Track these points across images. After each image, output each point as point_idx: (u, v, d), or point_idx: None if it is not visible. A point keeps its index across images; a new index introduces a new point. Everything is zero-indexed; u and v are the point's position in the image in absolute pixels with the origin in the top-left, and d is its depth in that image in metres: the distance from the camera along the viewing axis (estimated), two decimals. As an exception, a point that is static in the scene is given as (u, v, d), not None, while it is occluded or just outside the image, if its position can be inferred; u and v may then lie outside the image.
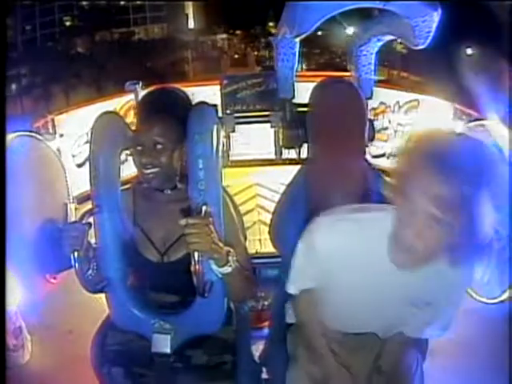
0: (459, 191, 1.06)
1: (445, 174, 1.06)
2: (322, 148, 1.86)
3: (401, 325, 1.44)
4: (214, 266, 1.39)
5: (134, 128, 1.52)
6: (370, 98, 2.77)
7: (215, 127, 1.44)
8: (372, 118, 3.88)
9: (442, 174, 1.06)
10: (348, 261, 1.31)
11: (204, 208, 1.34)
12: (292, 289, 1.52)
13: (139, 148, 1.46)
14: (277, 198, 1.88)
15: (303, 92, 2.46)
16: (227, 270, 1.39)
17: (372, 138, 1.93)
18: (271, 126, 2.96)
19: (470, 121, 2.55)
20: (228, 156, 2.93)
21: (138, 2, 33.07)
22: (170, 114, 1.47)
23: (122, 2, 32.73)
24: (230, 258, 1.39)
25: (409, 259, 1.22)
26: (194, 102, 1.54)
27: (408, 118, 4.28)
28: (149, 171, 1.46)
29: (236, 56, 36.09)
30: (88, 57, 27.96)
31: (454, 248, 1.15)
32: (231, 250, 1.40)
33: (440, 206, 1.08)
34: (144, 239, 1.54)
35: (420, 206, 1.10)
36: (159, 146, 1.45)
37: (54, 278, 2.43)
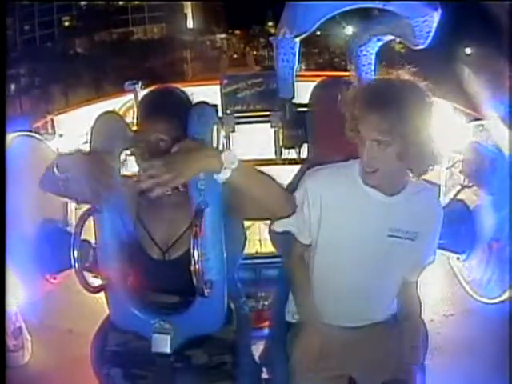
0: (394, 117, 1.36)
1: (379, 108, 1.37)
2: (322, 148, 1.86)
3: (390, 258, 1.54)
4: (215, 176, 1.33)
5: (134, 128, 1.53)
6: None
7: (215, 127, 1.44)
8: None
9: (378, 108, 1.37)
10: (336, 202, 1.53)
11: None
12: (277, 226, 1.63)
13: (142, 145, 1.46)
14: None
15: (303, 92, 2.45)
16: (226, 174, 1.32)
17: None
18: (271, 126, 2.95)
19: (470, 121, 2.54)
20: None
21: (137, 2, 33.07)
22: (171, 113, 1.48)
23: (121, 2, 32.74)
24: (223, 160, 1.31)
25: (376, 179, 1.47)
26: (194, 102, 1.54)
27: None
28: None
29: (235, 56, 36.10)
30: (87, 57, 28.00)
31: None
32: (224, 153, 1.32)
33: (381, 131, 1.37)
34: (146, 237, 1.54)
35: (366, 135, 1.40)
36: (162, 144, 1.45)
37: (54, 278, 2.42)
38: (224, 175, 1.32)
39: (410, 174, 1.50)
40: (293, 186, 1.80)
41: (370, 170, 1.45)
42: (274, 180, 1.45)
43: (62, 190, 1.45)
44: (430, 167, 1.47)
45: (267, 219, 1.69)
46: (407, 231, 1.51)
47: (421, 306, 1.66)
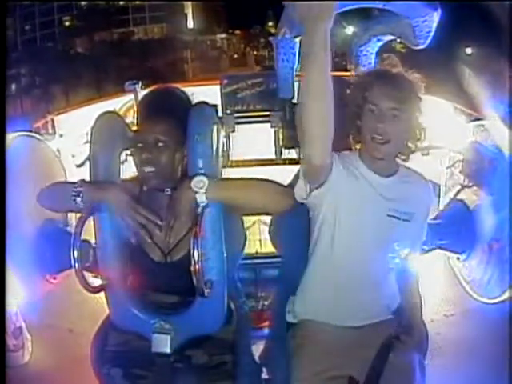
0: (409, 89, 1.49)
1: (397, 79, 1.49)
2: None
3: (389, 239, 1.56)
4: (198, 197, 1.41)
5: (134, 128, 1.53)
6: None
7: (215, 127, 1.45)
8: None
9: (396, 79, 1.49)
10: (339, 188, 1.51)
11: None
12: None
13: (140, 145, 1.46)
14: (277, 197, 1.87)
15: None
16: (201, 197, 1.40)
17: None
18: (271, 126, 2.96)
19: (470, 121, 2.54)
20: (228, 156, 2.92)
21: (138, 2, 33.10)
22: (171, 114, 1.48)
23: (122, 2, 32.77)
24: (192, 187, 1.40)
25: (384, 151, 1.51)
26: (194, 102, 1.54)
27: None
28: (148, 169, 1.46)
29: (235, 56, 36.17)
30: (88, 57, 28.01)
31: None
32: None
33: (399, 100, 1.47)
34: (147, 240, 1.53)
35: (384, 105, 1.48)
36: (161, 144, 1.45)
37: (54, 278, 2.42)
38: (200, 199, 1.39)
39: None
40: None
41: (382, 140, 1.48)
42: (262, 180, 1.51)
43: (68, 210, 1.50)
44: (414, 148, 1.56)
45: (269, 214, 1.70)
46: (404, 212, 1.54)
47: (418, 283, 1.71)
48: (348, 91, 1.56)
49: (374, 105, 1.48)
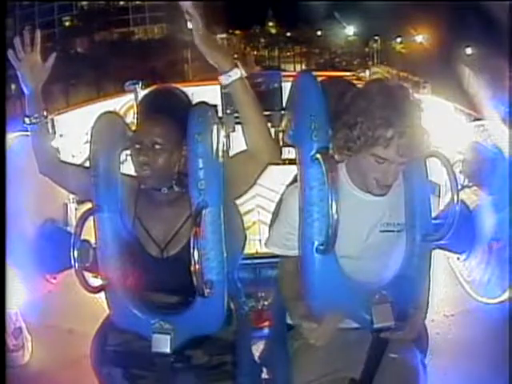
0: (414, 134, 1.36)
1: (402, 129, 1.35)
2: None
3: (386, 251, 1.52)
4: (222, 77, 1.41)
5: (134, 128, 1.53)
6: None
7: (215, 127, 1.45)
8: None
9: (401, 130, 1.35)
10: None
11: None
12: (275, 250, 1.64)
13: (137, 146, 1.47)
14: (277, 198, 1.87)
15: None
16: (236, 73, 1.40)
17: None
18: (271, 126, 2.95)
19: (471, 121, 2.54)
20: (228, 156, 2.92)
21: (138, 2, 33.09)
22: (170, 115, 1.48)
23: (122, 2, 32.77)
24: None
25: (387, 189, 1.46)
26: (194, 102, 1.54)
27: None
28: (144, 170, 1.46)
29: (235, 56, 36.17)
30: (87, 57, 28.00)
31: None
32: None
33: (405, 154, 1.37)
34: (144, 235, 1.54)
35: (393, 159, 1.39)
36: (158, 146, 1.46)
37: (54, 278, 2.42)
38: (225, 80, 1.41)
39: None
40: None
41: (388, 184, 1.44)
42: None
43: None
44: None
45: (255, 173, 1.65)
46: (398, 223, 1.52)
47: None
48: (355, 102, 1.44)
49: (381, 157, 1.40)
